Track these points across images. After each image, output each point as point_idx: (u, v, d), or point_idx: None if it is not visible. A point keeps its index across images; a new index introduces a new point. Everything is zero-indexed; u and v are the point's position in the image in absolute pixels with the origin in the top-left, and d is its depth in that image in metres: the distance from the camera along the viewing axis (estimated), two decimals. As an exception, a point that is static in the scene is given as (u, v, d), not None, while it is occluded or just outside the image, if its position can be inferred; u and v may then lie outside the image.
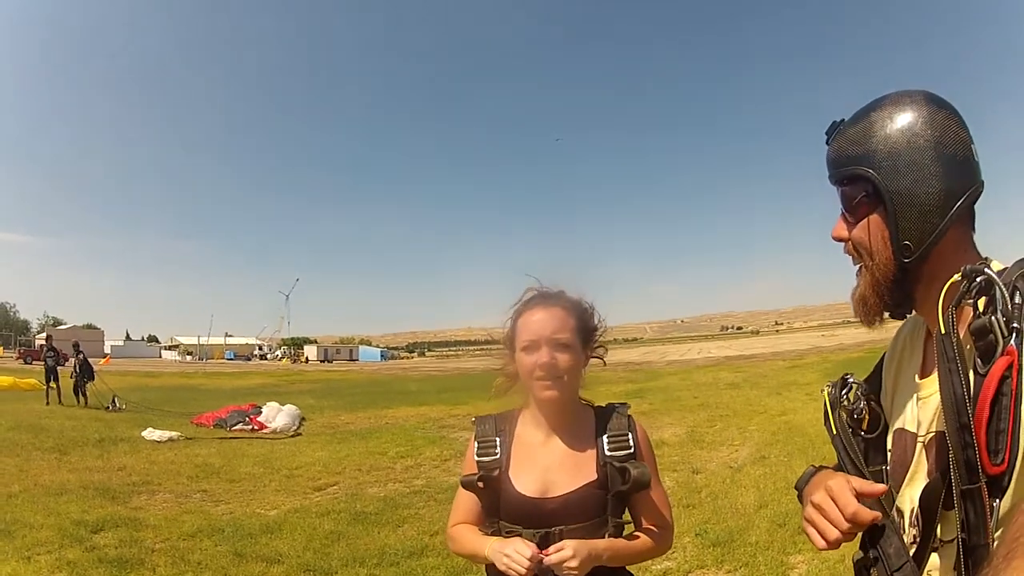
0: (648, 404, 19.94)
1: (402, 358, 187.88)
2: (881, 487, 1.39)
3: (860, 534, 1.43)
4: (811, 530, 1.44)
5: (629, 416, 2.26)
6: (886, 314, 1.58)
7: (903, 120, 1.45)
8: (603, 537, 2.09)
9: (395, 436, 15.92)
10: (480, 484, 2.15)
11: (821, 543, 1.41)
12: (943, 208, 1.41)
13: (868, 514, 1.35)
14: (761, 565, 6.07)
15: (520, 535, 2.06)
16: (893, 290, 1.51)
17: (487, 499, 2.18)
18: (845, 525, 1.36)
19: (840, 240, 1.59)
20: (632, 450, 2.16)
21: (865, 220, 1.51)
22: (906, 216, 1.43)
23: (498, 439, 2.22)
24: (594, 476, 2.13)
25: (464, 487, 2.21)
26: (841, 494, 1.39)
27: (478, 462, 2.20)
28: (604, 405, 2.30)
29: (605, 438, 2.17)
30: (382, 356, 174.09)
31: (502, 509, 2.14)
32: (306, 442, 15.83)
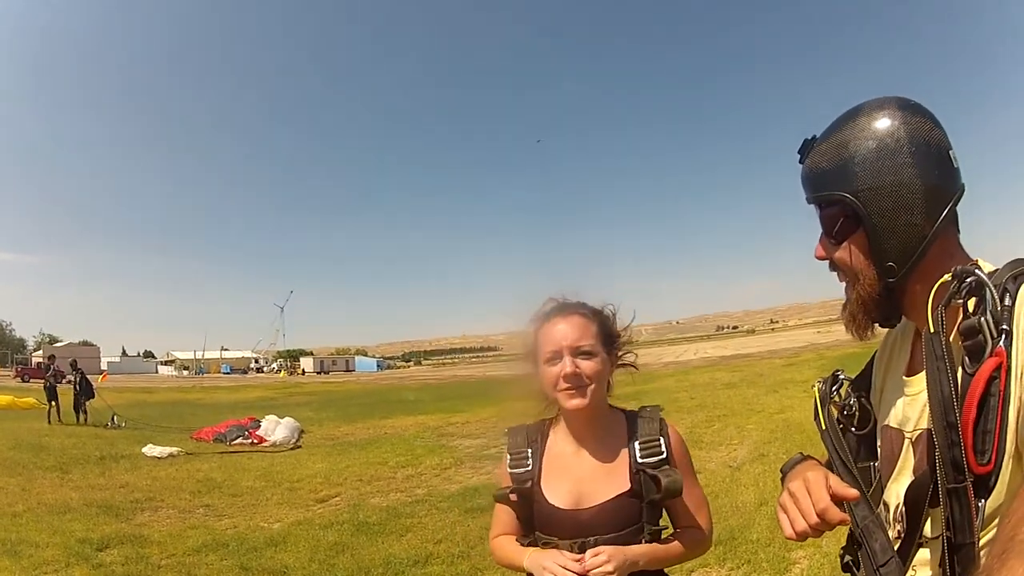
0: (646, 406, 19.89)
1: (398, 367, 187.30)
2: (853, 493, 1.39)
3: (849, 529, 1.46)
4: (782, 516, 1.44)
5: (661, 419, 2.22)
6: (876, 326, 1.58)
7: (878, 134, 1.43)
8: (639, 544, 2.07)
9: (395, 446, 15.93)
10: (513, 497, 2.16)
11: (789, 531, 1.42)
12: (927, 221, 1.41)
13: (837, 515, 1.35)
14: (763, 562, 6.11)
15: (557, 546, 2.05)
16: (881, 306, 1.52)
17: (522, 512, 2.18)
18: (814, 519, 1.36)
19: (822, 260, 1.60)
20: (664, 455, 2.11)
21: (847, 242, 1.51)
22: (888, 237, 1.43)
23: (529, 451, 2.20)
24: (627, 485, 2.10)
25: (497, 501, 2.21)
26: (816, 488, 1.39)
27: (511, 474, 2.19)
28: (636, 409, 2.26)
29: (637, 444, 2.13)
30: (378, 366, 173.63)
31: (537, 521, 2.14)
32: (306, 454, 15.81)
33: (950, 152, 1.44)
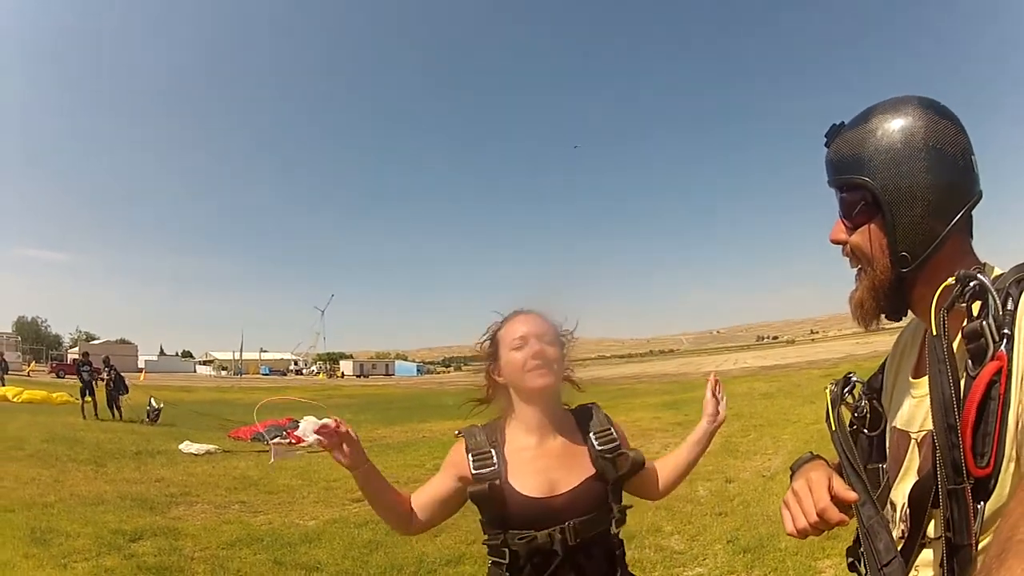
0: (684, 415, 19.75)
1: (438, 372, 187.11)
2: (852, 495, 1.45)
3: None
4: (785, 513, 1.54)
5: (604, 413, 2.43)
6: (882, 316, 1.60)
7: (903, 128, 1.46)
8: (610, 525, 2.22)
9: (432, 449, 15.86)
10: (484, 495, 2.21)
11: (790, 528, 1.52)
12: (942, 220, 1.43)
13: (836, 515, 1.44)
14: (790, 570, 6.11)
15: (535, 539, 2.12)
16: (890, 296, 1.53)
17: (491, 510, 2.22)
18: (813, 518, 1.46)
19: (837, 243, 1.62)
20: (617, 441, 2.32)
21: (864, 227, 1.53)
22: (904, 227, 1.44)
23: (492, 450, 2.27)
24: (592, 470, 2.24)
25: (472, 498, 2.24)
26: (818, 488, 1.49)
27: (476, 474, 2.23)
28: (576, 407, 2.43)
29: (592, 435, 2.31)
30: (418, 371, 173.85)
31: (509, 517, 2.18)
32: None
33: (972, 157, 1.47)
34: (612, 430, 2.35)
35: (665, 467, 2.54)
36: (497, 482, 2.20)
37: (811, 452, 1.80)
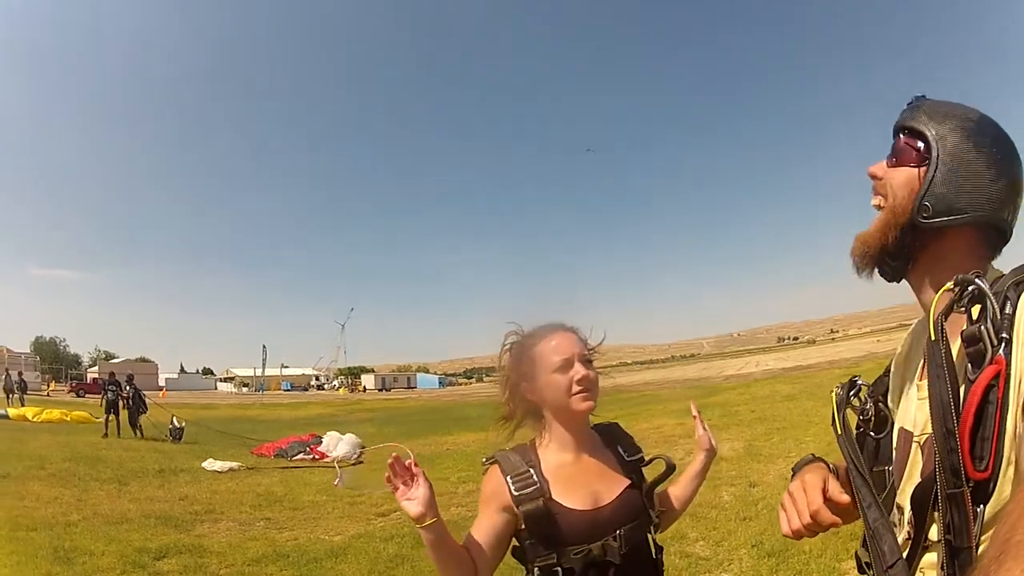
0: (707, 420, 19.64)
1: (460, 384, 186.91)
2: (845, 499, 1.49)
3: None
4: (781, 514, 1.60)
5: (621, 427, 2.54)
6: (876, 271, 1.67)
7: (981, 125, 1.54)
8: (650, 532, 2.29)
9: (456, 461, 15.84)
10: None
11: (786, 529, 1.56)
12: (974, 202, 1.48)
13: (828, 517, 1.47)
14: (814, 572, 6.11)
15: (591, 552, 2.11)
16: (897, 242, 1.58)
17: (540, 531, 2.14)
18: (807, 519, 1.50)
19: (874, 178, 1.67)
20: (642, 452, 2.42)
21: (905, 169, 1.58)
22: (940, 186, 1.50)
23: (531, 470, 2.21)
24: (628, 480, 2.29)
25: (527, 519, 2.14)
26: (811, 490, 1.53)
27: (520, 495, 2.15)
28: (601, 424, 2.48)
29: (619, 447, 2.38)
30: (440, 383, 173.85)
31: (561, 534, 2.12)
32: (367, 470, 15.88)
33: (1019, 190, 1.53)
34: (635, 443, 2.45)
35: (668, 500, 2.59)
36: (541, 501, 2.13)
37: (812, 454, 1.83)
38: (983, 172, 1.49)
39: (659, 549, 2.35)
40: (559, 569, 2.12)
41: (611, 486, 2.25)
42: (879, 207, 1.64)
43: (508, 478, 2.19)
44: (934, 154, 1.52)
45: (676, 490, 2.61)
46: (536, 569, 2.16)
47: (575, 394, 2.23)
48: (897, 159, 1.61)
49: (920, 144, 1.56)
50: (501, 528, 2.19)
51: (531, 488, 2.15)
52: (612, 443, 2.39)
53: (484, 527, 2.20)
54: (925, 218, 1.52)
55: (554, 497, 2.16)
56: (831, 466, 1.77)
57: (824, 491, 1.52)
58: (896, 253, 1.60)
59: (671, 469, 2.38)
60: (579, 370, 2.24)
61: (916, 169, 1.56)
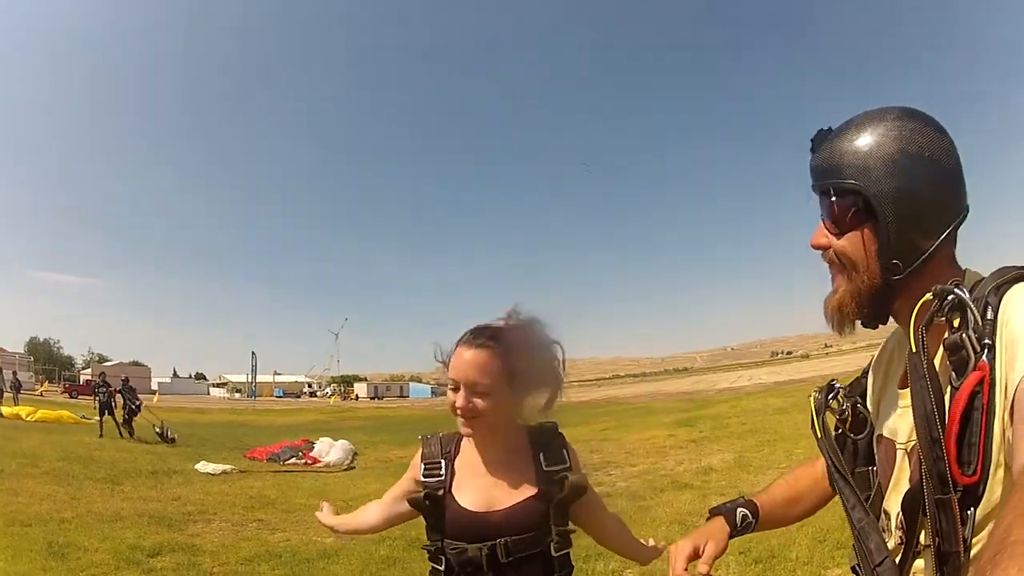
0: (698, 432, 19.86)
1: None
2: (704, 570, 1.73)
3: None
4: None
5: (560, 433, 2.39)
6: (858, 323, 1.59)
7: (904, 139, 1.44)
8: (547, 546, 2.22)
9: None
10: (426, 502, 2.26)
11: None
12: (935, 231, 1.44)
13: None
14: (799, 579, 6.14)
15: (466, 551, 2.18)
16: (874, 302, 1.53)
17: (431, 517, 2.27)
18: None
19: (820, 248, 1.60)
20: (568, 463, 2.30)
21: (854, 232, 1.51)
22: (899, 236, 1.43)
23: (443, 461, 2.32)
24: (535, 490, 2.24)
25: (410, 504, 2.32)
26: (678, 558, 1.80)
27: (424, 482, 2.30)
28: (535, 425, 2.38)
29: (542, 454, 2.29)
30: (432, 392, 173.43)
31: (446, 526, 2.23)
32: (359, 475, 16.00)
33: (962, 171, 1.49)
34: (564, 452, 2.33)
35: (619, 534, 2.55)
36: (440, 492, 2.26)
37: (742, 496, 2.04)
38: (933, 187, 1.45)
39: (563, 565, 2.28)
40: (442, 557, 2.26)
41: (511, 493, 2.24)
42: (837, 275, 1.59)
43: (422, 463, 2.37)
44: (878, 210, 1.45)
45: (626, 536, 2.57)
46: (426, 551, 2.33)
47: (456, 416, 2.26)
48: (839, 226, 1.54)
49: (856, 203, 1.50)
50: (406, 494, 2.41)
51: (434, 479, 2.31)
52: (537, 449, 2.32)
53: (395, 489, 2.54)
54: (898, 275, 1.47)
55: (452, 491, 2.27)
56: (736, 518, 1.96)
57: (698, 553, 1.79)
58: (876, 312, 1.57)
59: (579, 489, 2.24)
60: (460, 399, 2.22)
61: (866, 229, 1.50)
